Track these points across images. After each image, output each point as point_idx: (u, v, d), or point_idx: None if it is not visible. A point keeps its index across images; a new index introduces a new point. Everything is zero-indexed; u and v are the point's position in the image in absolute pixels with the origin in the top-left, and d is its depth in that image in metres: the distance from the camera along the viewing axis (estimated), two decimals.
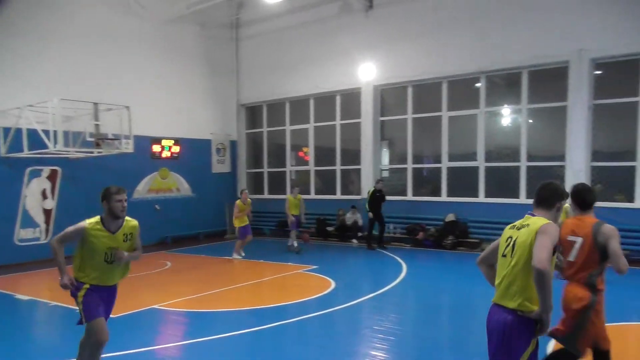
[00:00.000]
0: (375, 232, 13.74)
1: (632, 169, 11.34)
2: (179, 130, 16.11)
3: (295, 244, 13.45)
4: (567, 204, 5.95)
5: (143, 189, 15.03)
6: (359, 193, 15.60)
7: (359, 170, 15.66)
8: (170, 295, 8.35)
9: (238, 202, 12.42)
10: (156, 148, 15.35)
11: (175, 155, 15.93)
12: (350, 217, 15.06)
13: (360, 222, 14.92)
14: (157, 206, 15.20)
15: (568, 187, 4.35)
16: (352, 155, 15.99)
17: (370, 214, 13.36)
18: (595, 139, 11.93)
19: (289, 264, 11.37)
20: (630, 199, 11.35)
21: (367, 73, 14.98)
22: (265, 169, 18.11)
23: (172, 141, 15.79)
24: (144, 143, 14.41)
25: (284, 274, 10.39)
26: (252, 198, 13.54)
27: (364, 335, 6.41)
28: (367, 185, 15.14)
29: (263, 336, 6.29)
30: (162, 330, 6.94)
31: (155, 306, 7.68)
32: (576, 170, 11.87)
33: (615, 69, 11.76)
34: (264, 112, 18.03)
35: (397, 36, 14.41)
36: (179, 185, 16.21)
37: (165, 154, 15.63)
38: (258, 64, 17.55)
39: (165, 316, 7.42)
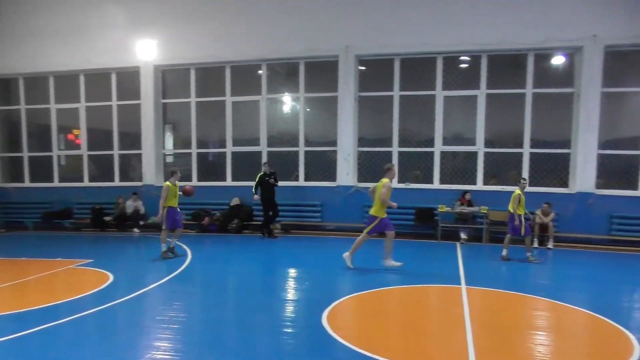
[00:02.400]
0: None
1: (389, 154, 13.19)
2: None
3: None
4: None
5: None
6: (140, 179, 14.71)
7: (140, 155, 14.74)
8: None
9: (168, 183, 10.20)
10: None
11: None
12: (130, 205, 14.10)
13: (143, 210, 14.11)
14: None
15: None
16: (132, 139, 14.95)
17: (256, 197, 12.51)
18: (361, 127, 13.49)
19: (58, 259, 10.10)
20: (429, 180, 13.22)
21: (147, 51, 14.10)
22: (26, 153, 15.66)
23: None
24: None
25: (52, 270, 9.19)
26: (9, 187, 11.55)
27: (146, 327, 6.08)
28: (150, 170, 14.42)
29: (28, 342, 5.46)
30: None
31: None
32: (346, 154, 13.25)
33: (376, 66, 13.40)
34: (21, 87, 15.51)
35: (181, 16, 13.91)
36: None
37: None
38: (12, 29, 14.98)
39: None
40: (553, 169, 12.37)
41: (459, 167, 13.14)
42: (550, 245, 11.48)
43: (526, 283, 8.49)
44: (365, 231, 9.04)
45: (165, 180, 10.56)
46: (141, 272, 9.29)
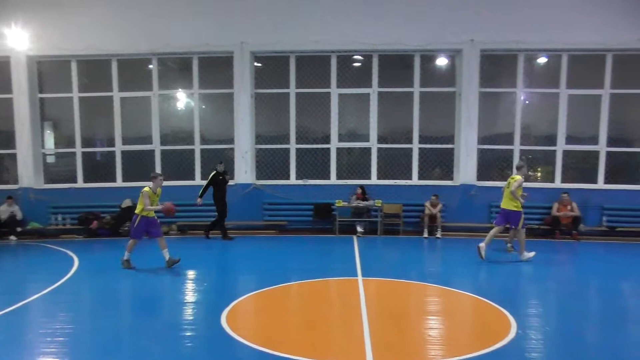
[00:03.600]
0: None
1: (287, 151, 13.27)
2: None
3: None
4: None
5: None
6: (16, 182, 13.36)
7: (14, 155, 13.37)
8: None
9: (147, 189, 9.03)
10: None
11: None
12: (5, 210, 12.75)
13: (20, 215, 12.83)
14: None
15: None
16: (5, 138, 13.51)
17: (199, 200, 11.79)
18: (258, 124, 13.41)
19: None
20: (288, 177, 13.28)
21: (18, 39, 12.73)
22: None
23: None
24: None
25: None
26: None
27: (27, 342, 5.53)
28: (27, 172, 13.20)
29: None
30: None
31: None
32: (243, 152, 13.10)
33: (272, 63, 13.37)
34: None
35: (59, 2, 12.80)
36: None
37: None
38: None
39: None
40: (440, 163, 13.24)
41: (355, 163, 13.59)
42: (438, 234, 12.27)
43: (418, 271, 9.00)
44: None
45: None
46: (20, 283, 8.44)
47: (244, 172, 13.17)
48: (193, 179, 13.37)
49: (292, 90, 13.18)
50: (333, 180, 13.34)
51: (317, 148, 13.37)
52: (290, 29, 12.73)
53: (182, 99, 13.80)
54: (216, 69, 13.36)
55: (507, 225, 9.95)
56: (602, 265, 9.77)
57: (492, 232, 9.80)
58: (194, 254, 10.78)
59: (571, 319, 6.41)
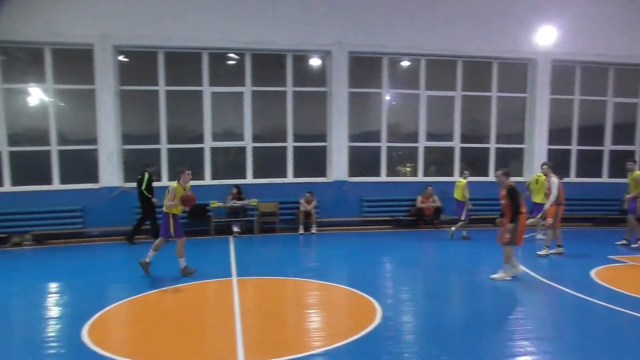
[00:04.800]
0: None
1: (158, 151, 12.66)
2: None
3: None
4: None
5: None
6: None
7: None
8: None
9: (176, 184, 8.18)
10: None
11: None
12: None
13: None
14: None
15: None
16: None
17: (155, 200, 11.25)
18: (126, 123, 12.60)
19: None
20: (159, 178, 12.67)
21: None
22: None
23: None
24: None
25: None
26: None
27: None
28: None
29: None
30: None
31: None
32: (109, 152, 12.23)
33: (139, 58, 12.66)
34: None
35: None
36: None
37: None
38: None
39: None
40: (314, 160, 13.58)
41: (230, 162, 13.41)
42: (313, 230, 12.59)
43: (294, 268, 9.12)
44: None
45: None
46: None
47: (109, 174, 12.31)
48: (50, 182, 12.17)
49: (162, 88, 12.60)
50: (208, 180, 13.02)
51: (191, 148, 12.96)
52: (158, 24, 12.13)
53: (34, 94, 12.45)
54: (75, 62, 12.29)
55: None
56: (461, 250, 10.76)
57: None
58: (52, 265, 9.84)
59: (432, 301, 6.98)
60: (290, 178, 13.36)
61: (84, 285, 8.04)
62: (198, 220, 12.50)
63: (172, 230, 8.18)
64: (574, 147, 14.71)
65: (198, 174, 12.91)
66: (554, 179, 9.87)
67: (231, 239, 11.93)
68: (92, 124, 12.24)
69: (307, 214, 12.66)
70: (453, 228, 11.79)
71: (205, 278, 8.12)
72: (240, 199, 12.53)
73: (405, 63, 13.96)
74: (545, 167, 10.33)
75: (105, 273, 9.05)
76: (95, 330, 5.73)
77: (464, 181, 11.74)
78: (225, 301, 6.84)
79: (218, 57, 12.92)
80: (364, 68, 13.65)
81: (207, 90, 12.79)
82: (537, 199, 11.24)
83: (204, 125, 12.88)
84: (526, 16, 13.63)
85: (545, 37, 13.69)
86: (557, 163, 14.34)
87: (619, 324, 5.98)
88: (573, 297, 7.06)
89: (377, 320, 5.92)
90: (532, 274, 8.33)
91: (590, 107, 14.74)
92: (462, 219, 11.69)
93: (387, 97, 13.80)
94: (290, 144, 13.33)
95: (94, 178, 12.35)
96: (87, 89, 12.16)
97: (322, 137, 13.52)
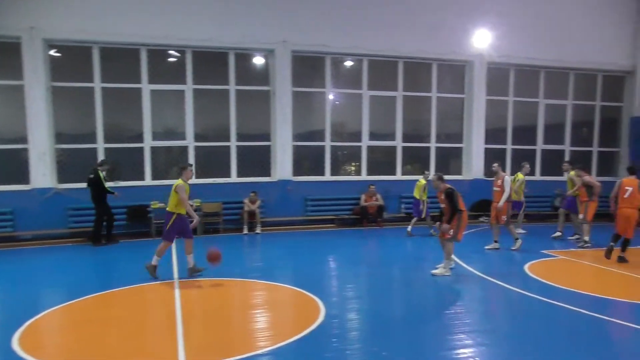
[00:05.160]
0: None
1: (94, 150, 12.13)
2: None
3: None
4: None
5: None
6: None
7: None
8: None
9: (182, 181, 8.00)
10: None
11: None
12: None
13: None
14: None
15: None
16: None
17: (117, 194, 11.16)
18: (60, 122, 12.00)
19: None
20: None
21: None
22: None
23: None
24: None
25: None
26: None
27: None
28: None
29: None
30: None
31: None
32: (40, 152, 11.62)
33: (73, 53, 12.09)
34: None
35: None
36: None
37: None
38: None
39: None
40: (258, 160, 13.48)
41: (173, 162, 13.07)
42: (258, 230, 12.50)
43: (238, 268, 8.99)
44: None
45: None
46: None
47: (41, 175, 11.68)
48: None
49: (98, 85, 12.09)
50: (148, 180, 12.63)
51: (130, 147, 12.52)
52: (92, 17, 11.63)
53: None
54: (1, 56, 11.57)
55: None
56: (402, 248, 11.01)
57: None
58: None
59: (376, 298, 7.11)
60: (233, 178, 13.19)
61: (15, 291, 7.60)
62: (138, 221, 12.10)
63: (167, 228, 7.93)
64: (508, 147, 15.40)
65: (138, 174, 12.51)
66: (507, 177, 10.39)
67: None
68: (22, 122, 11.57)
69: (252, 214, 12.55)
70: (409, 228, 12.19)
71: (145, 281, 7.86)
72: None
73: (348, 63, 14.12)
74: (496, 166, 10.77)
75: (39, 278, 8.58)
76: (28, 338, 5.43)
77: (424, 181, 12.11)
78: (167, 304, 6.66)
79: (158, 54, 12.55)
80: (308, 67, 13.69)
81: (146, 88, 12.40)
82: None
83: (144, 124, 12.48)
84: (463, 20, 14.13)
85: (481, 40, 14.26)
86: (494, 162, 15.04)
87: (551, 315, 6.32)
88: (508, 290, 7.39)
89: (321, 318, 5.96)
90: (470, 269, 8.65)
91: (523, 108, 15.48)
92: (423, 217, 12.17)
93: (331, 97, 13.91)
94: (233, 143, 13.16)
95: (24, 179, 11.68)
96: (15, 85, 11.47)
97: (266, 136, 13.44)
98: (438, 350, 5.13)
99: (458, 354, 5.01)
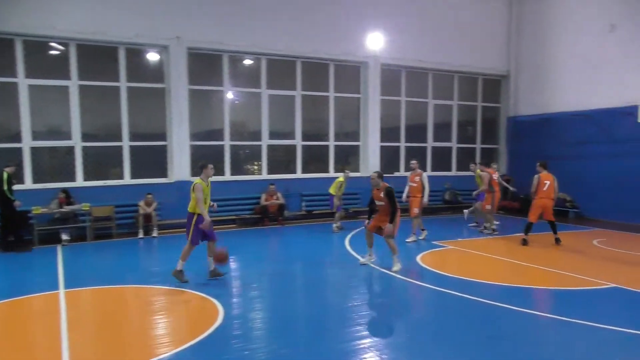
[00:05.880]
0: None
1: None
2: None
3: None
4: None
5: None
6: None
7: None
8: None
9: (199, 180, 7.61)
10: None
11: None
12: None
13: None
14: None
15: None
16: None
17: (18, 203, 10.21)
18: None
19: None
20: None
21: None
22: None
23: None
24: None
25: None
26: None
27: None
28: None
29: None
30: None
31: None
32: None
33: None
34: None
35: None
36: None
37: None
38: None
39: None
40: (153, 160, 12.91)
41: (57, 164, 12.10)
42: (155, 233, 11.97)
43: (133, 274, 8.54)
44: None
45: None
46: None
47: None
48: None
49: None
50: (29, 184, 11.58)
51: (5, 148, 11.39)
52: None
53: None
54: None
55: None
56: (304, 246, 11.15)
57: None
58: None
59: (278, 297, 7.13)
60: (127, 179, 12.51)
61: None
62: (18, 229, 11.04)
63: (190, 233, 7.54)
64: (402, 144, 16.21)
65: (17, 178, 11.41)
66: (425, 174, 11.28)
67: (59, 248, 10.75)
68: None
69: (148, 217, 11.99)
70: (334, 225, 12.54)
71: (27, 293, 7.19)
72: (69, 203, 11.37)
73: (247, 62, 13.99)
74: (414, 163, 11.57)
75: None
76: None
77: (342, 179, 12.47)
78: (51, 316, 6.14)
79: (36, 46, 11.53)
80: (205, 65, 13.37)
81: (23, 82, 11.34)
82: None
83: (22, 123, 11.41)
84: (357, 23, 14.63)
85: (374, 43, 14.87)
86: (389, 159, 15.78)
87: (442, 303, 6.76)
88: (402, 281, 7.79)
89: (219, 321, 5.85)
90: (368, 262, 8.97)
91: (414, 108, 16.38)
92: (334, 211, 12.58)
93: (230, 96, 13.70)
94: (126, 143, 12.47)
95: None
96: None
97: (162, 136, 12.92)
98: (337, 344, 5.26)
99: (356, 345, 5.18)
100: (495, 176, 12.43)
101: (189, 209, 7.71)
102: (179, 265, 7.63)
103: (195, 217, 7.60)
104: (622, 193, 13.62)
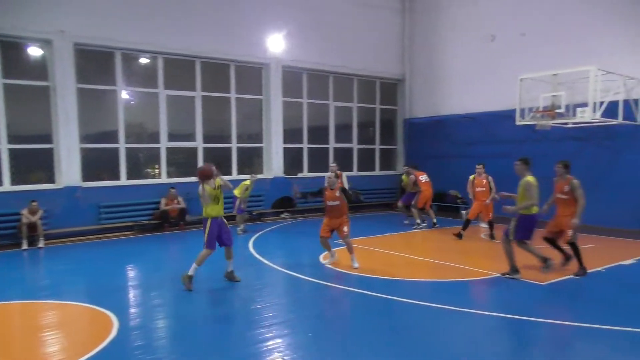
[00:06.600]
0: None
1: None
2: None
3: None
4: None
5: None
6: None
7: None
8: None
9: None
10: None
11: None
12: None
13: None
14: None
15: None
16: None
17: None
18: None
19: None
20: None
21: None
22: None
23: None
24: None
25: None
26: None
27: None
28: None
29: None
30: None
31: None
32: None
33: None
34: None
35: None
36: None
37: None
38: None
39: None
40: (37, 165, 11.87)
41: None
42: (41, 244, 11.00)
43: (16, 289, 7.76)
44: None
45: None
46: None
47: None
48: None
49: None
50: None
51: None
52: None
53: None
54: None
55: None
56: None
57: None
58: None
59: (180, 304, 6.87)
60: (7, 186, 11.37)
61: None
62: None
63: (205, 237, 7.39)
64: (305, 146, 16.40)
65: None
66: (344, 174, 12.54)
67: None
68: None
69: (32, 226, 10.97)
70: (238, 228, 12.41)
71: None
72: None
73: (143, 60, 13.36)
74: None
75: None
76: None
77: (248, 182, 12.42)
78: None
79: None
80: (96, 63, 12.56)
81: None
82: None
83: None
84: (258, 23, 14.55)
85: (275, 44, 14.89)
86: (292, 160, 15.89)
87: (344, 300, 6.95)
88: (304, 281, 7.88)
89: (114, 333, 5.51)
90: (271, 264, 8.97)
91: (316, 110, 16.65)
92: (235, 213, 12.45)
93: (125, 96, 12.99)
94: (4, 146, 11.33)
95: None
96: None
97: (47, 138, 11.90)
98: (244, 347, 5.19)
99: (263, 347, 5.14)
100: (423, 178, 13.22)
101: (203, 214, 7.57)
102: (191, 270, 7.41)
103: (209, 222, 7.44)
104: (504, 190, 14.82)
